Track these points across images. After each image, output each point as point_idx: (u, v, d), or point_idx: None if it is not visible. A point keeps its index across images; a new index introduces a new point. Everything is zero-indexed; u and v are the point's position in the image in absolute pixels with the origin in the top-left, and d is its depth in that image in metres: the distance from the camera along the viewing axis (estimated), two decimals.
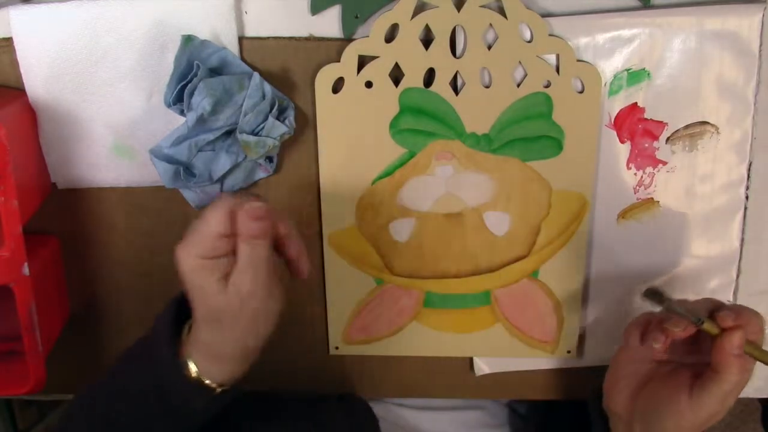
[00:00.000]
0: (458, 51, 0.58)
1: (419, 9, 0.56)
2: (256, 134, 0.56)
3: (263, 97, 0.56)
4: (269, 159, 0.60)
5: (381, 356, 0.68)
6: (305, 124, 0.61)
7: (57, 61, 0.58)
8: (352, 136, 0.60)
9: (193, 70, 0.55)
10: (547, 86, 0.58)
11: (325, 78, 0.58)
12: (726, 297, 0.66)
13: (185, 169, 0.57)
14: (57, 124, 0.60)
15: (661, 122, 0.61)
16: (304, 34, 0.59)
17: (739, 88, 0.60)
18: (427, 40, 0.58)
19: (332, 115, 0.59)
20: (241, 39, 0.58)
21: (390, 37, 0.57)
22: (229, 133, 0.57)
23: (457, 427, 0.73)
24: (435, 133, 0.60)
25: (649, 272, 0.65)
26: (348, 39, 0.58)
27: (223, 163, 0.58)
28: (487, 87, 0.58)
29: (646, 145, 0.61)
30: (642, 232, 0.64)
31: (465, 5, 0.56)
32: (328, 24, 0.59)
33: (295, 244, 0.54)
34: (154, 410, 0.54)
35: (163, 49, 0.58)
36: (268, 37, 0.59)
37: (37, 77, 0.58)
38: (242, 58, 0.58)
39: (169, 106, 0.56)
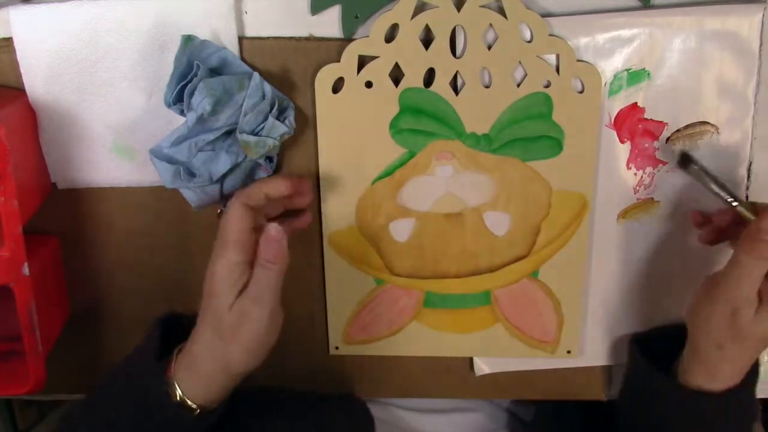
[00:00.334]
0: (458, 51, 0.58)
1: (419, 9, 0.56)
2: (256, 134, 0.56)
3: (263, 97, 0.56)
4: (269, 159, 0.60)
5: (381, 356, 0.68)
6: (305, 124, 0.61)
7: (57, 61, 0.58)
8: (352, 136, 0.60)
9: (193, 70, 0.55)
10: (547, 86, 0.58)
11: (325, 78, 0.58)
12: None
13: (185, 169, 0.57)
14: (57, 124, 0.60)
15: (661, 122, 0.61)
16: (304, 34, 0.59)
17: (739, 88, 0.60)
18: (427, 40, 0.58)
19: (332, 115, 0.59)
20: (241, 39, 0.58)
21: (390, 37, 0.57)
22: (229, 133, 0.57)
23: (455, 429, 0.73)
24: (435, 133, 0.60)
25: (649, 272, 0.65)
26: (348, 39, 0.58)
27: (223, 163, 0.58)
28: (487, 87, 0.58)
29: (646, 145, 0.61)
30: (642, 232, 0.64)
31: (465, 5, 0.56)
32: (328, 24, 0.59)
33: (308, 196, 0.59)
34: (142, 426, 0.54)
35: (163, 49, 0.58)
36: (268, 37, 0.59)
37: (37, 77, 0.58)
38: (242, 58, 0.58)
39: (169, 106, 0.56)
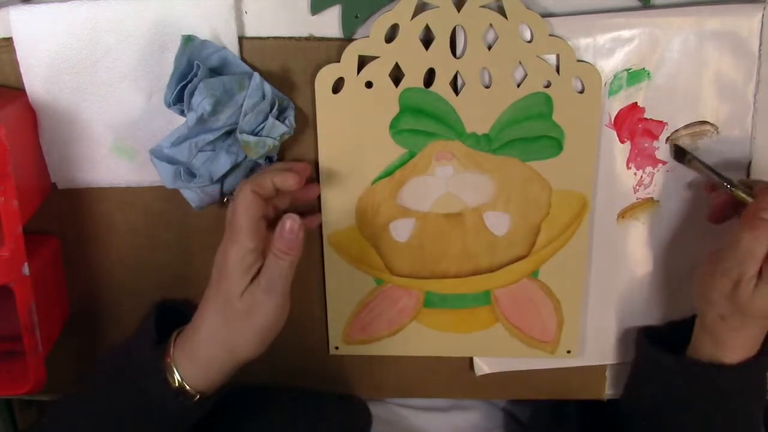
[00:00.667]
0: (458, 51, 0.58)
1: (419, 9, 0.56)
2: (256, 134, 0.56)
3: (263, 97, 0.56)
4: (269, 159, 0.60)
5: (381, 356, 0.68)
6: (305, 124, 0.61)
7: (57, 61, 0.58)
8: (352, 136, 0.60)
9: (193, 70, 0.55)
10: (547, 86, 0.58)
11: (325, 78, 0.58)
12: None
13: (185, 170, 0.57)
14: (57, 124, 0.60)
15: (661, 122, 0.61)
16: (304, 34, 0.59)
17: (739, 87, 0.60)
18: (427, 40, 0.58)
19: (332, 115, 0.59)
20: (241, 39, 0.58)
21: (390, 38, 0.57)
22: (230, 133, 0.57)
23: (451, 429, 0.73)
24: (435, 133, 0.60)
25: (649, 272, 0.65)
26: (348, 39, 0.58)
27: (223, 163, 0.58)
28: (487, 87, 0.58)
29: (646, 144, 0.61)
30: (642, 231, 0.64)
31: (465, 5, 0.56)
32: (328, 24, 0.58)
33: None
34: (135, 416, 0.54)
35: (163, 49, 0.58)
36: (268, 37, 0.59)
37: (37, 77, 0.58)
38: (242, 58, 0.58)
39: (169, 106, 0.56)
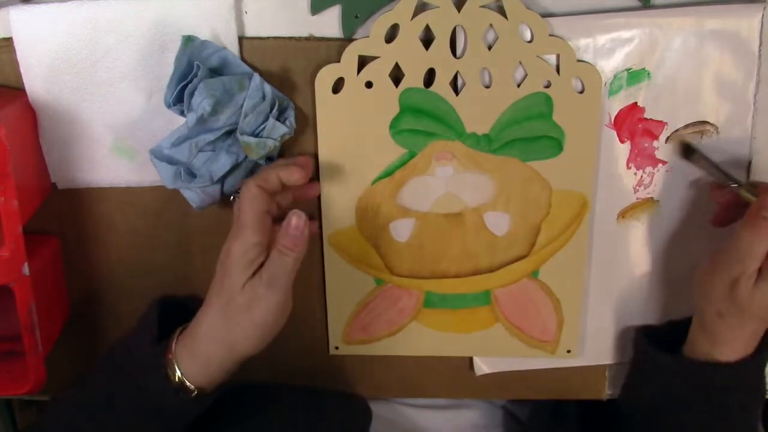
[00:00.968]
0: (458, 51, 0.58)
1: (419, 9, 0.56)
2: (257, 135, 0.56)
3: (263, 97, 0.56)
4: (269, 159, 0.60)
5: (381, 356, 0.68)
6: (305, 124, 0.61)
7: (57, 61, 0.58)
8: (352, 136, 0.60)
9: (193, 70, 0.55)
10: (548, 86, 0.58)
11: (325, 78, 0.58)
12: None
13: (186, 170, 0.57)
14: (57, 124, 0.60)
15: (661, 122, 0.61)
16: (304, 34, 0.59)
17: (739, 87, 0.60)
18: (427, 41, 0.58)
19: (332, 115, 0.59)
20: (241, 39, 0.58)
21: (390, 38, 0.57)
22: (230, 133, 0.57)
23: (451, 427, 0.73)
24: (435, 133, 0.60)
25: (649, 272, 0.65)
26: (348, 39, 0.58)
27: (223, 163, 0.58)
28: (487, 87, 0.58)
29: (646, 144, 0.61)
30: (642, 231, 0.64)
31: (465, 5, 0.56)
32: (328, 24, 0.58)
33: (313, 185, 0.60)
34: (135, 412, 0.54)
35: (163, 49, 0.58)
36: (268, 37, 0.59)
37: (37, 77, 0.58)
38: (242, 58, 0.58)
39: (169, 106, 0.56)
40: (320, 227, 0.63)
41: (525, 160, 0.60)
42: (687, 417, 0.60)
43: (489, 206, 0.62)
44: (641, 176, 0.62)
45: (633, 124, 0.60)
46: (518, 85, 0.58)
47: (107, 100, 0.59)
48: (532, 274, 0.64)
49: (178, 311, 0.58)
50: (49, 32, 0.57)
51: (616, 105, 0.60)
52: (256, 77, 0.56)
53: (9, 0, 0.57)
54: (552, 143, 0.60)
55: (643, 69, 0.59)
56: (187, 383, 0.53)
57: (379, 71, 0.58)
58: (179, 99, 0.56)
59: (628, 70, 0.59)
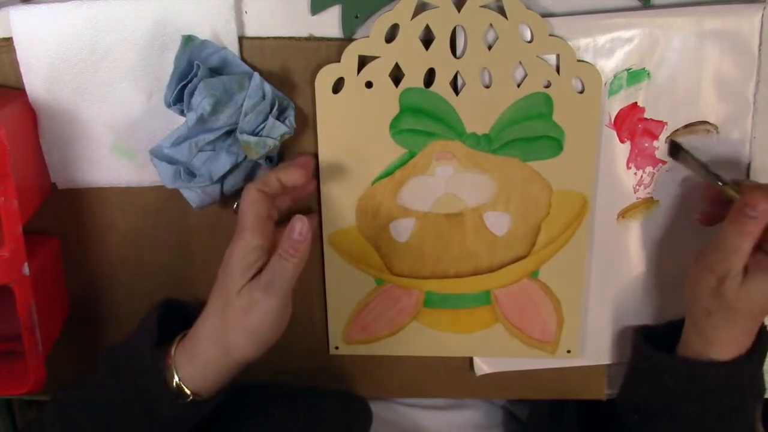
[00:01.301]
0: (458, 51, 0.58)
1: (419, 9, 0.56)
2: (257, 134, 0.56)
3: (263, 97, 0.56)
4: (269, 159, 0.60)
5: (381, 356, 0.68)
6: (305, 124, 0.61)
7: (57, 61, 0.58)
8: (352, 136, 0.60)
9: (193, 70, 0.55)
10: (548, 86, 0.58)
11: (325, 78, 0.58)
12: None
13: (185, 170, 0.57)
14: (57, 124, 0.60)
15: (661, 122, 0.61)
16: (304, 34, 0.59)
17: (739, 87, 0.60)
18: (427, 41, 0.58)
19: (332, 115, 0.59)
20: (241, 39, 0.58)
21: (390, 37, 0.57)
22: (230, 133, 0.57)
23: (451, 427, 0.73)
24: (435, 133, 0.60)
25: (649, 272, 0.65)
26: (348, 39, 0.58)
27: (223, 163, 0.58)
28: (488, 87, 0.58)
29: (646, 144, 0.61)
30: (642, 231, 0.64)
31: (465, 5, 0.56)
32: (328, 24, 0.58)
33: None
34: (135, 415, 0.54)
35: (163, 49, 0.58)
36: (268, 37, 0.59)
37: (37, 77, 0.58)
38: (242, 58, 0.58)
39: (169, 106, 0.56)
40: (320, 227, 0.63)
41: (525, 160, 0.60)
42: (681, 416, 0.60)
43: (489, 206, 0.62)
44: (641, 176, 0.62)
45: (633, 124, 0.60)
46: (518, 85, 0.58)
47: (107, 100, 0.59)
48: (532, 274, 0.64)
49: (179, 315, 0.58)
50: (49, 32, 0.57)
51: (616, 105, 0.60)
52: (256, 77, 0.56)
53: (9, 0, 0.57)
54: (552, 143, 0.60)
55: (643, 69, 0.59)
56: (185, 388, 0.53)
57: (379, 71, 0.58)
58: (179, 99, 0.56)
59: (628, 70, 0.59)
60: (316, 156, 0.61)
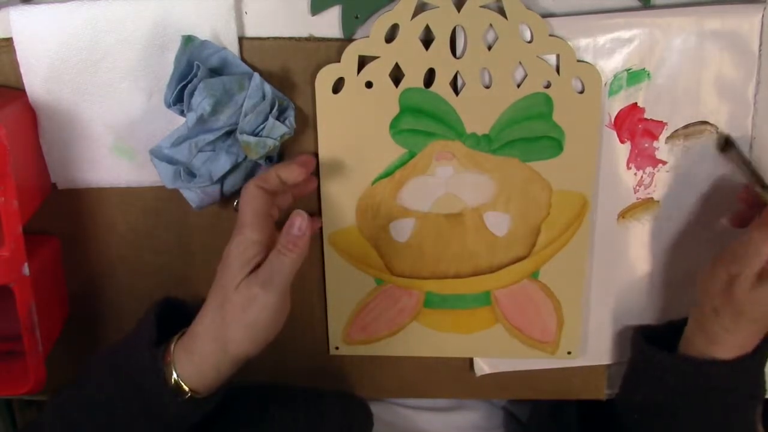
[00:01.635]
0: (458, 51, 0.58)
1: (419, 9, 0.56)
2: (257, 135, 0.56)
3: (263, 97, 0.56)
4: (269, 159, 0.60)
5: (381, 356, 0.68)
6: (305, 124, 0.61)
7: (57, 61, 0.58)
8: (352, 136, 0.60)
9: (193, 70, 0.55)
10: (548, 86, 0.58)
11: (325, 78, 0.58)
12: None
13: (185, 170, 0.57)
14: (57, 124, 0.60)
15: (661, 122, 0.61)
16: (304, 34, 0.59)
17: (739, 88, 0.60)
18: (427, 41, 0.58)
19: (332, 115, 0.59)
20: (241, 39, 0.58)
21: (390, 38, 0.57)
22: (230, 133, 0.57)
23: (451, 428, 0.73)
24: (435, 133, 0.60)
25: (649, 272, 0.65)
26: (348, 39, 0.58)
27: (223, 163, 0.58)
28: (487, 87, 0.58)
29: (646, 144, 0.61)
30: (642, 231, 0.64)
31: (465, 5, 0.56)
32: (328, 24, 0.59)
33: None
34: (134, 414, 0.54)
35: (163, 49, 0.58)
36: (268, 37, 0.59)
37: (37, 77, 0.58)
38: (242, 59, 0.58)
39: (169, 106, 0.56)
40: (320, 227, 0.63)
41: (525, 161, 0.60)
42: (682, 415, 0.59)
43: (489, 206, 0.62)
44: (641, 176, 0.62)
45: (633, 125, 0.60)
46: (518, 86, 0.58)
47: (107, 100, 0.59)
48: (533, 274, 0.64)
49: (178, 314, 0.58)
50: (49, 32, 0.57)
51: (616, 105, 0.60)
52: (256, 77, 0.56)
53: (9, 0, 0.57)
54: (552, 143, 0.60)
55: (643, 69, 0.59)
56: (183, 385, 0.53)
57: (379, 71, 0.58)
58: (179, 99, 0.56)
59: (628, 70, 0.59)
60: (316, 155, 0.61)
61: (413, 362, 0.68)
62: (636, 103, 0.60)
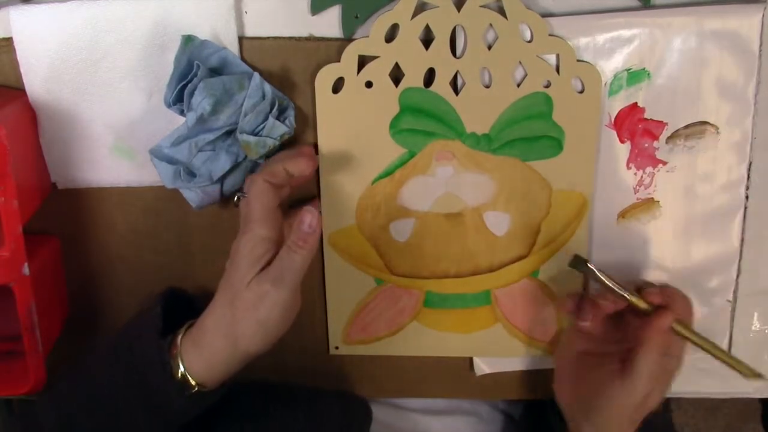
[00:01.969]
0: (458, 51, 0.58)
1: (419, 9, 0.56)
2: (257, 134, 0.56)
3: (263, 97, 0.56)
4: (269, 159, 0.60)
5: (381, 356, 0.68)
6: (305, 124, 0.61)
7: (57, 61, 0.58)
8: (352, 136, 0.60)
9: (193, 70, 0.55)
10: (547, 86, 0.58)
11: (325, 78, 0.58)
12: (726, 297, 0.66)
13: (185, 169, 0.57)
14: (57, 124, 0.60)
15: (661, 122, 0.61)
16: (304, 34, 0.59)
17: (739, 88, 0.60)
18: (427, 40, 0.58)
19: (332, 115, 0.59)
20: (241, 39, 0.58)
21: (390, 37, 0.57)
22: (230, 133, 0.57)
23: (452, 431, 0.73)
24: (435, 133, 0.60)
25: (649, 272, 0.65)
26: (348, 39, 0.58)
27: (223, 163, 0.58)
28: (487, 87, 0.58)
29: (646, 144, 0.61)
30: (642, 231, 0.64)
31: (465, 5, 0.56)
32: (328, 24, 0.59)
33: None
34: (135, 406, 0.54)
35: (163, 49, 0.58)
36: (268, 37, 0.59)
37: (37, 77, 0.58)
38: (242, 58, 0.58)
39: (169, 106, 0.56)
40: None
41: (525, 160, 0.60)
42: None
43: (489, 206, 0.62)
44: (641, 176, 0.62)
45: (633, 124, 0.60)
46: (518, 85, 0.58)
47: (107, 100, 0.59)
48: (532, 274, 0.64)
49: (180, 305, 0.58)
50: (49, 32, 0.57)
51: (616, 105, 0.60)
52: (256, 76, 0.56)
53: (9, 0, 0.57)
54: (552, 143, 0.60)
55: (643, 69, 0.59)
56: (190, 378, 0.53)
57: (379, 71, 0.58)
58: (179, 98, 0.56)
59: (628, 70, 0.59)
60: (315, 145, 0.61)
61: (413, 362, 0.68)
62: (636, 103, 0.60)
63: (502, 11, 0.56)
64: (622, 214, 0.63)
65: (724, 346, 0.68)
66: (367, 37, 0.57)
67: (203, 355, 0.53)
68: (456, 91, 0.59)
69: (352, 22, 0.58)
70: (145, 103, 0.60)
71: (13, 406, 0.98)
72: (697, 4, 0.58)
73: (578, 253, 0.61)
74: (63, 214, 0.64)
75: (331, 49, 0.59)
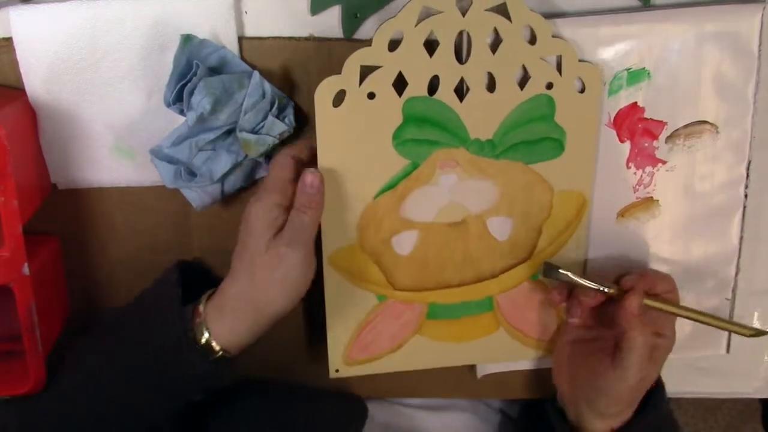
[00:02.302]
0: (463, 56, 0.56)
1: (423, 15, 0.54)
2: (256, 132, 0.56)
3: (263, 95, 0.56)
4: (269, 158, 0.60)
5: None
6: (305, 123, 0.61)
7: (57, 61, 0.58)
8: (354, 150, 0.57)
9: (193, 69, 0.55)
10: (549, 88, 0.57)
11: (325, 91, 0.55)
12: (724, 295, 0.66)
13: (186, 169, 0.57)
14: (57, 124, 0.60)
15: (661, 122, 0.61)
16: (304, 34, 0.59)
17: (739, 87, 0.60)
18: (430, 47, 0.55)
19: (333, 129, 0.56)
20: (241, 39, 0.58)
21: (393, 46, 0.55)
22: (230, 132, 0.57)
23: (448, 428, 0.73)
24: (439, 141, 0.58)
25: None
26: (348, 39, 0.58)
27: (223, 162, 0.58)
28: (491, 92, 0.57)
29: (646, 144, 0.61)
30: (641, 231, 0.64)
31: (470, 9, 0.54)
32: (328, 24, 0.58)
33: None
34: (158, 377, 0.55)
35: (163, 49, 0.58)
36: (268, 37, 0.59)
37: (37, 77, 0.58)
38: (242, 58, 0.58)
39: (168, 105, 0.56)
40: (319, 246, 0.60)
41: (528, 163, 0.59)
42: None
43: (492, 212, 0.61)
44: (641, 176, 0.62)
45: (633, 124, 0.60)
46: (521, 88, 0.57)
47: (107, 100, 0.59)
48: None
49: (193, 277, 0.59)
50: (49, 32, 0.57)
51: (616, 105, 0.60)
52: (256, 75, 0.56)
53: (9, 0, 0.57)
54: (554, 144, 0.59)
55: (643, 69, 0.59)
56: (214, 345, 0.54)
57: (381, 81, 0.55)
58: (179, 98, 0.56)
59: (628, 70, 0.59)
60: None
61: None
62: (636, 103, 0.60)
63: (504, 14, 0.55)
64: (622, 213, 0.63)
65: (724, 344, 0.68)
66: (369, 46, 0.54)
67: (227, 322, 0.54)
68: (461, 97, 0.57)
69: (352, 22, 0.58)
70: (145, 102, 0.60)
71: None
72: (697, 4, 0.58)
73: (549, 260, 0.62)
74: (63, 214, 0.64)
75: (331, 49, 0.58)
